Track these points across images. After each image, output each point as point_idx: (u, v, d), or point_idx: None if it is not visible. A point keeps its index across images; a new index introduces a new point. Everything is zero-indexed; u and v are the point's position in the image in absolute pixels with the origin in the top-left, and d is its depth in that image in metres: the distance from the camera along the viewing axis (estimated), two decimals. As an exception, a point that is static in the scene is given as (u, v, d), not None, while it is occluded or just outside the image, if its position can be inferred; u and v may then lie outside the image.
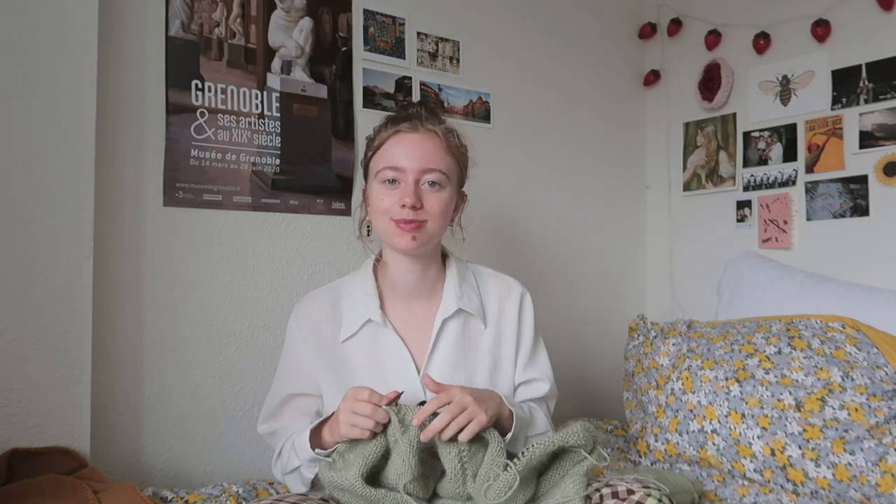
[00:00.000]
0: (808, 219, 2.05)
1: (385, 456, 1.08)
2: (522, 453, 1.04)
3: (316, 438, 1.15)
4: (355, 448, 1.08)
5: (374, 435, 1.07)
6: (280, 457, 1.23)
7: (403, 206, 1.18)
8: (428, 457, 1.10)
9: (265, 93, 1.67)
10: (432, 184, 1.20)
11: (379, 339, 1.25)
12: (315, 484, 1.19)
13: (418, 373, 1.23)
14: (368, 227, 1.29)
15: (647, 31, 2.44)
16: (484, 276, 1.35)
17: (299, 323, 1.28)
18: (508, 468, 1.03)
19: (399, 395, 1.09)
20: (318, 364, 1.25)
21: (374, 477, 1.09)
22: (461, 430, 1.04)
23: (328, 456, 1.12)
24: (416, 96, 1.91)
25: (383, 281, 1.30)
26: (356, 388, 1.08)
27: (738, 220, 2.21)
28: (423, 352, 1.25)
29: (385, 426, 1.07)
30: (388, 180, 1.20)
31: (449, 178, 1.22)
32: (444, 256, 1.35)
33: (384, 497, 1.07)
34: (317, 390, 1.26)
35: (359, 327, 1.25)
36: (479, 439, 1.07)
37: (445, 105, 1.96)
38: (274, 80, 1.68)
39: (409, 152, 1.20)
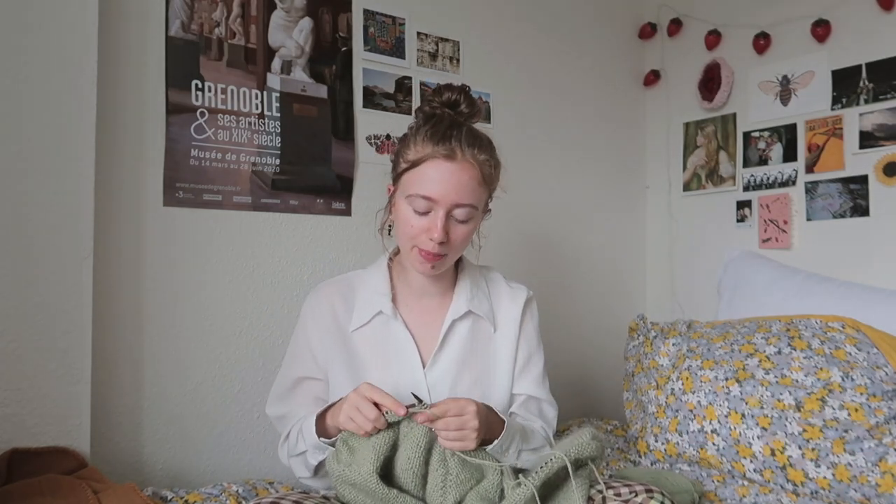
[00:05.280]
0: (808, 219, 2.04)
1: (394, 447, 1.08)
2: (541, 467, 1.04)
3: (320, 424, 1.16)
4: (361, 438, 1.08)
5: (380, 427, 1.07)
6: (287, 440, 1.25)
7: (431, 239, 1.18)
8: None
9: (265, 93, 1.67)
10: (461, 217, 1.19)
11: (388, 330, 1.27)
12: (318, 470, 1.20)
13: (423, 367, 1.25)
14: (390, 226, 1.29)
15: (647, 31, 2.44)
16: (496, 282, 1.37)
17: (314, 308, 1.30)
18: (523, 485, 1.02)
19: (408, 412, 1.07)
20: (329, 349, 1.26)
21: (386, 474, 1.09)
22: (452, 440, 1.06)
23: (332, 444, 1.13)
24: (415, 96, 1.91)
25: (397, 278, 1.31)
26: (371, 387, 1.08)
27: (738, 220, 2.21)
28: (431, 348, 1.26)
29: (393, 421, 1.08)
30: (419, 209, 1.18)
31: (478, 208, 1.22)
32: (458, 259, 1.36)
33: (396, 497, 1.07)
34: (325, 375, 1.27)
35: (370, 318, 1.27)
36: (471, 464, 1.08)
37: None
38: (274, 80, 1.68)
39: (444, 185, 1.16)
